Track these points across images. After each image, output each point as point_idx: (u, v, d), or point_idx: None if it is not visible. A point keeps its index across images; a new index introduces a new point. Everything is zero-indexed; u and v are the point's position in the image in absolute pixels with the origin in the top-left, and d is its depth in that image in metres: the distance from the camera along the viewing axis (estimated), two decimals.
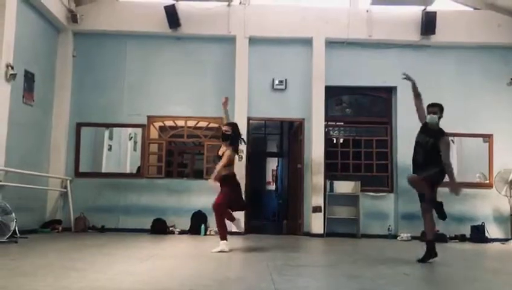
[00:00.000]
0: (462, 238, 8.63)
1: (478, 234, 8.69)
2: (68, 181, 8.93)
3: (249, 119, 9.31)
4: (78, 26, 9.16)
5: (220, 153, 6.13)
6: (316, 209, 8.92)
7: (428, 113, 5.47)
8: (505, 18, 9.34)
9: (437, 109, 5.49)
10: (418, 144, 5.50)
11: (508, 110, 9.34)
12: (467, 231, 8.72)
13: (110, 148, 10.10)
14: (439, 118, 5.47)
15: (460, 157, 9.62)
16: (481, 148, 9.33)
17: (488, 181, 9.25)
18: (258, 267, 4.68)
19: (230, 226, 6.50)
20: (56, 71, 9.13)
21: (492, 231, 8.91)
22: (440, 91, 9.38)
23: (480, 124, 9.30)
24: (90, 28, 9.28)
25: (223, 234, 5.84)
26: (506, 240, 8.72)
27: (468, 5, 9.54)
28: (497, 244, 8.54)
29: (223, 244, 5.74)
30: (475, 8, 9.51)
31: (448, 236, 8.64)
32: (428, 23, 9.10)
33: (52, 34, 8.98)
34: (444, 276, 4.61)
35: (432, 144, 5.34)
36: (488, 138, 9.33)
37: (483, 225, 8.72)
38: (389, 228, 9.07)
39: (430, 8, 9.10)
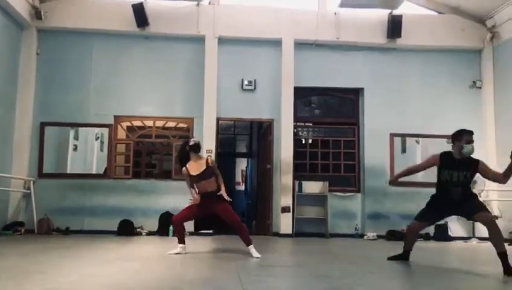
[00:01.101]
0: (426, 237, 8.84)
1: (442, 233, 8.94)
2: (31, 182, 8.67)
3: (218, 119, 9.28)
4: (42, 23, 8.92)
5: (199, 170, 5.55)
6: (285, 210, 8.97)
7: (467, 142, 4.74)
8: (468, 22, 9.64)
9: (472, 137, 4.78)
10: (447, 183, 4.80)
11: (470, 112, 9.63)
12: (431, 230, 8.94)
13: (75, 149, 9.86)
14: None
15: (425, 158, 9.80)
16: (444, 148, 9.53)
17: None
18: (226, 268, 4.66)
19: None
20: (19, 69, 8.86)
21: (455, 229, 9.17)
22: (406, 93, 9.64)
23: (444, 125, 9.52)
24: (55, 26, 9.05)
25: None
26: (468, 238, 8.99)
27: (432, 9, 9.79)
28: (459, 242, 8.80)
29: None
30: (439, 13, 9.77)
31: None
32: (395, 27, 9.30)
33: (15, 31, 8.71)
34: (408, 273, 4.70)
35: (464, 178, 4.75)
36: (451, 139, 9.56)
37: (447, 224, 8.96)
38: (356, 228, 9.21)
39: (396, 12, 9.30)
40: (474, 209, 4.66)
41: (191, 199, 5.79)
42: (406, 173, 5.23)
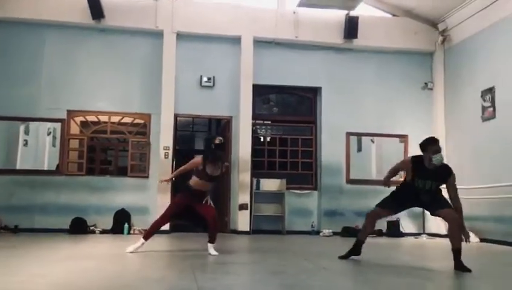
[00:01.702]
0: (379, 233, 9.08)
1: (393, 229, 9.22)
2: None
3: (176, 115, 9.17)
4: None
5: (214, 173, 5.51)
6: (243, 207, 8.98)
7: (434, 153, 4.63)
8: (421, 26, 9.95)
9: (439, 147, 4.72)
10: (418, 188, 4.77)
11: (422, 113, 9.96)
12: (384, 227, 9.20)
13: (26, 144, 9.47)
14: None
15: (379, 157, 10.13)
16: (398, 148, 9.87)
17: (402, 179, 9.79)
18: (181, 266, 4.62)
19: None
20: None
21: (407, 226, 9.47)
22: (362, 93, 9.85)
23: (397, 125, 9.84)
24: (5, 16, 8.66)
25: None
26: (419, 234, 9.30)
27: (388, 11, 10.04)
28: (410, 238, 9.09)
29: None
30: (394, 15, 10.04)
31: None
32: (351, 27, 9.47)
33: None
34: (360, 269, 4.82)
35: (436, 187, 4.74)
36: (403, 138, 9.89)
37: (398, 221, 9.24)
38: (312, 225, 9.34)
39: (353, 13, 9.47)
40: (438, 206, 4.74)
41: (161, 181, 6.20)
42: (392, 174, 5.28)
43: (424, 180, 4.73)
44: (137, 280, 3.77)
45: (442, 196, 4.82)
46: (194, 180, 5.55)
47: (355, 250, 5.22)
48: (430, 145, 4.68)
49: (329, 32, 9.61)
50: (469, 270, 4.42)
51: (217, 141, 5.71)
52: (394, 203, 5.10)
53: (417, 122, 9.91)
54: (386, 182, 5.22)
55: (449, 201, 4.75)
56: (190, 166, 5.66)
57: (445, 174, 4.69)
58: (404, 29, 9.90)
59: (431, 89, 10.02)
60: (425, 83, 10.02)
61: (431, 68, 10.08)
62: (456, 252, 4.57)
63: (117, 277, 3.91)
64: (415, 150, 9.74)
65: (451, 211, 4.65)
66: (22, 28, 8.86)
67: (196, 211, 5.60)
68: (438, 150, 4.65)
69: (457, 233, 4.64)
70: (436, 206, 4.77)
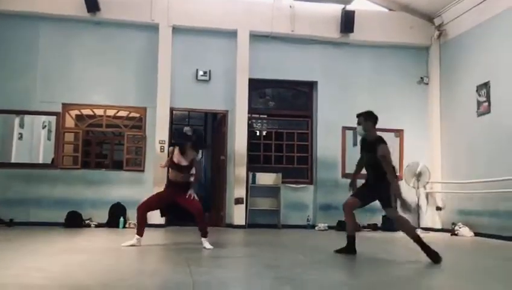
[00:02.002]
0: (374, 227, 9.13)
1: (388, 223, 9.24)
2: None
3: (172, 109, 9.15)
4: None
5: (181, 162, 5.58)
6: (238, 201, 8.99)
7: (357, 124, 5.10)
8: (417, 20, 9.94)
9: (361, 119, 5.09)
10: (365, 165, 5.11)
11: (418, 107, 9.98)
12: (379, 221, 9.24)
13: (20, 137, 9.43)
14: (365, 128, 5.05)
15: None
16: (393, 142, 9.87)
17: (398, 173, 9.85)
18: (176, 259, 4.63)
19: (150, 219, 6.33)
20: None
21: None
22: (357, 87, 9.85)
23: (392, 119, 9.82)
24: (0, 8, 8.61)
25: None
26: (414, 228, 9.33)
27: (384, 6, 10.03)
28: None
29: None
30: (390, 9, 10.02)
31: (361, 225, 9.12)
32: (347, 22, 9.45)
33: None
34: (353, 263, 4.85)
35: (373, 159, 4.91)
36: (399, 132, 9.91)
37: None
38: (308, 219, 9.36)
39: (349, 7, 9.45)
40: (383, 204, 4.93)
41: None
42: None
43: (362, 152, 5.16)
44: (132, 273, 3.78)
45: (387, 192, 4.80)
46: (170, 172, 5.78)
47: (350, 249, 5.19)
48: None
49: (325, 26, 9.59)
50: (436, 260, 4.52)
51: (184, 132, 5.73)
52: (359, 192, 5.21)
53: (413, 116, 9.94)
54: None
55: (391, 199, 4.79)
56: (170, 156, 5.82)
57: (374, 143, 4.92)
58: (401, 23, 9.89)
59: (427, 83, 10.03)
60: (421, 78, 10.03)
61: (427, 63, 10.08)
62: (418, 242, 4.69)
63: (112, 270, 3.91)
64: (410, 144, 9.87)
65: (391, 210, 4.85)
66: (16, 20, 8.80)
67: (181, 206, 5.60)
68: (358, 123, 5.10)
69: (404, 229, 4.89)
70: (383, 204, 4.94)
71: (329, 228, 9.07)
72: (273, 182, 9.32)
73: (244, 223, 8.95)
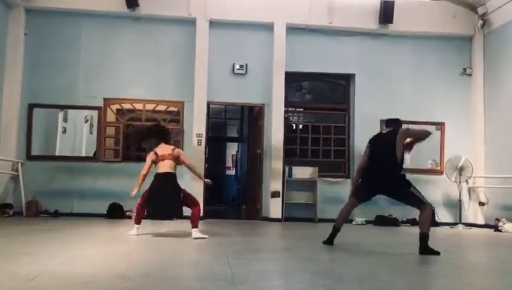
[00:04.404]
0: (413, 222, 8.93)
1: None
2: (19, 164, 8.60)
3: (209, 103, 9.23)
4: (30, 3, 8.76)
5: (167, 153, 6.03)
6: (275, 195, 9.00)
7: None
8: (460, 9, 9.62)
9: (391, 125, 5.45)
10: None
11: (460, 100, 9.68)
12: (417, 216, 9.01)
13: (64, 131, 9.78)
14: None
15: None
16: (434, 135, 9.62)
17: (439, 168, 9.61)
18: (216, 251, 4.69)
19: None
20: (7, 50, 8.69)
21: (442, 215, 9.29)
22: (397, 80, 9.65)
23: (433, 112, 9.59)
24: (43, 5, 8.89)
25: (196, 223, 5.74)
26: (455, 224, 9.11)
27: None
28: (446, 228, 8.91)
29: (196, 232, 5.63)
30: None
31: (400, 220, 8.96)
32: (387, 12, 9.25)
33: (2, 11, 8.53)
34: (393, 258, 4.77)
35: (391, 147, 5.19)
36: (440, 126, 9.64)
37: (434, 210, 9.00)
38: None
39: None
40: (412, 202, 5.27)
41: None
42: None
43: (375, 149, 5.34)
44: (173, 265, 3.85)
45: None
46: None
47: (331, 238, 5.35)
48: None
49: (363, 17, 9.42)
50: (436, 253, 4.66)
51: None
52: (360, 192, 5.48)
53: (455, 109, 9.65)
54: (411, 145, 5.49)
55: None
56: (148, 161, 6.17)
57: (395, 132, 5.25)
58: (442, 13, 9.59)
59: (470, 75, 9.72)
60: (464, 69, 9.72)
61: (470, 53, 9.75)
62: (425, 239, 4.83)
63: (152, 261, 4.00)
64: (452, 138, 9.60)
65: (424, 206, 5.12)
66: (58, 17, 9.08)
67: (184, 200, 5.84)
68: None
69: (426, 221, 5.04)
70: (407, 201, 5.26)
71: (367, 222, 8.96)
72: (309, 176, 9.27)
73: (280, 217, 8.96)
